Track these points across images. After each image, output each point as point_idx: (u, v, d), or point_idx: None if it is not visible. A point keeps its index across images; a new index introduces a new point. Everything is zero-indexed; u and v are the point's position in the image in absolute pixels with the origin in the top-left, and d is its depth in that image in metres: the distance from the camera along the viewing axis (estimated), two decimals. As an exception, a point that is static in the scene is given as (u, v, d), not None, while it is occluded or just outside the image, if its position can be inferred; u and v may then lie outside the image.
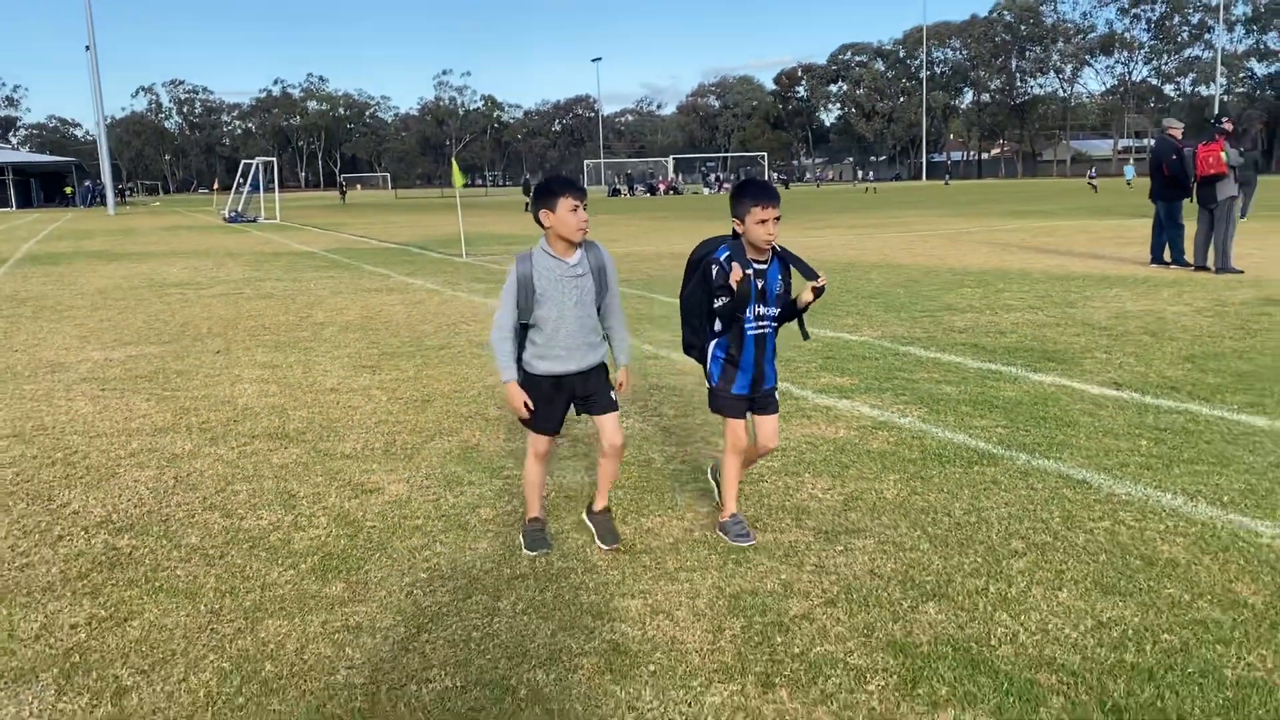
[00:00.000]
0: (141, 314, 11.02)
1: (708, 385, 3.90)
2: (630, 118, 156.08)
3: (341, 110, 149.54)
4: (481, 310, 10.61)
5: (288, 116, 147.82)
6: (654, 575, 3.59)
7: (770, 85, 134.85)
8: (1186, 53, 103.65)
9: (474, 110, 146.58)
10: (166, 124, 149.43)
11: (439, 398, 6.49)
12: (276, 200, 40.88)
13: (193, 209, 56.57)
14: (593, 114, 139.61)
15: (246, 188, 40.28)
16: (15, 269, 17.78)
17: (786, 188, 70.71)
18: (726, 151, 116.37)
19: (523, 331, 3.74)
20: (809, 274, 3.67)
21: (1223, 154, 12.06)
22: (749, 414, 3.89)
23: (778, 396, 3.95)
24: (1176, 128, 13.30)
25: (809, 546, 3.82)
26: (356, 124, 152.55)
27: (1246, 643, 3.00)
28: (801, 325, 3.91)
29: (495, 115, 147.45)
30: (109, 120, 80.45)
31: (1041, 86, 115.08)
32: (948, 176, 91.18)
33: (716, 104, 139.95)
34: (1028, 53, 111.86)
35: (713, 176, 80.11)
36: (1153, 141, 15.26)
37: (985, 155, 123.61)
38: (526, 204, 41.24)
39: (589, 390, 3.77)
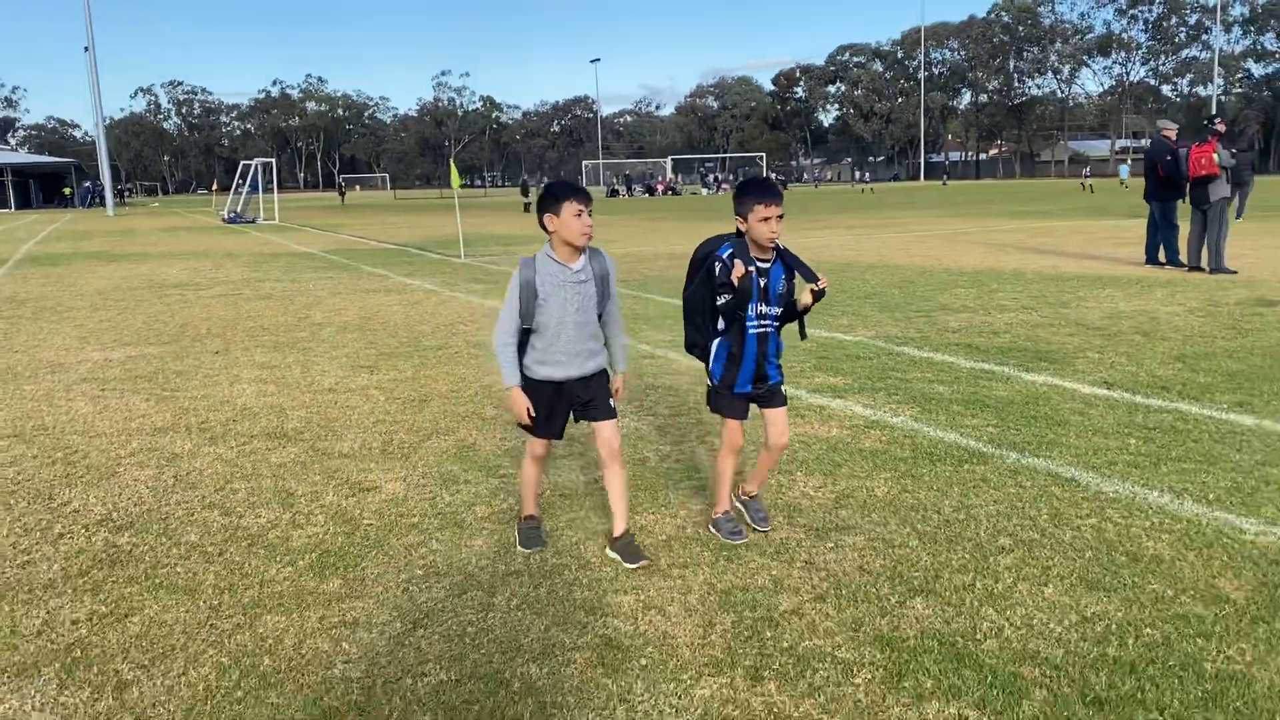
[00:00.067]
0: (141, 315, 11.07)
1: (708, 383, 3.93)
2: (629, 118, 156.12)
3: (340, 111, 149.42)
4: (479, 311, 10.66)
5: (286, 117, 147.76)
6: (646, 571, 3.64)
7: (769, 86, 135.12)
8: (1184, 53, 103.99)
9: (473, 111, 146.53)
10: (165, 125, 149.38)
11: (436, 397, 6.54)
12: (275, 201, 40.93)
13: (192, 210, 56.60)
14: (591, 115, 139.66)
15: (245, 189, 40.36)
16: (15, 270, 17.82)
17: (785, 188, 70.70)
18: (725, 152, 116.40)
19: (523, 336, 3.71)
20: (810, 276, 3.72)
21: (1215, 155, 12.14)
22: (761, 410, 3.91)
23: (784, 390, 3.98)
24: (1171, 129, 13.36)
25: (800, 543, 3.88)
26: (355, 125, 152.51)
27: (1227, 636, 3.06)
28: (801, 326, 3.95)
29: (494, 116, 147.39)
30: (108, 121, 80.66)
31: (1039, 87, 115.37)
32: (945, 177, 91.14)
33: (715, 105, 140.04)
34: (1025, 53, 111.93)
35: (711, 177, 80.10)
36: (1149, 142, 15.32)
37: (983, 156, 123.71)
38: (525, 204, 41.25)
39: (589, 396, 3.77)
